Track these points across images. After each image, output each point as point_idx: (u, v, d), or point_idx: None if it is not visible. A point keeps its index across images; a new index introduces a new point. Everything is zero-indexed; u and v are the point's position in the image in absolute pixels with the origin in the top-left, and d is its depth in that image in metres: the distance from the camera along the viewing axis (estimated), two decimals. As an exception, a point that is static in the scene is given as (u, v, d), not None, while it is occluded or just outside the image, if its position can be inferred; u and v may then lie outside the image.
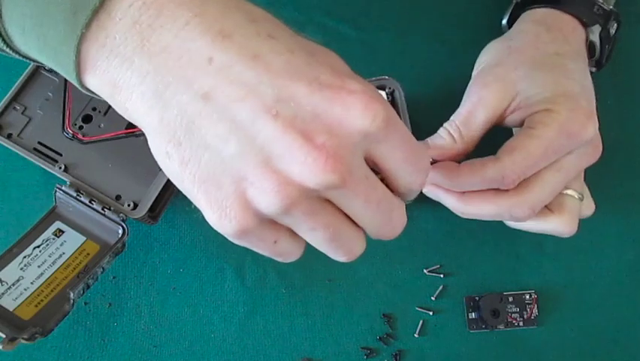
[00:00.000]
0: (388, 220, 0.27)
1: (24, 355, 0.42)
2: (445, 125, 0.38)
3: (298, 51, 0.23)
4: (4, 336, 0.34)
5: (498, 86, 0.37)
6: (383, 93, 0.43)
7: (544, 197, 0.36)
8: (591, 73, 0.41)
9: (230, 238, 0.26)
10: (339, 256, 0.28)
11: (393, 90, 0.43)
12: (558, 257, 0.45)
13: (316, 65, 0.23)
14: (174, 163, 0.24)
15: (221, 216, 0.24)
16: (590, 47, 0.40)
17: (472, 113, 0.37)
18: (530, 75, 0.37)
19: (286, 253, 0.28)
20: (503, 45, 0.40)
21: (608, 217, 0.45)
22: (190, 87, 0.23)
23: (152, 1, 0.23)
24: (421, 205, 0.45)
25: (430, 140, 0.38)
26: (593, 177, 0.46)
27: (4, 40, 0.27)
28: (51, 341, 0.42)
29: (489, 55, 0.41)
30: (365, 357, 0.43)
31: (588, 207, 0.40)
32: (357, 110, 0.23)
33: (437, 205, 0.44)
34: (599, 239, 0.45)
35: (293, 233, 0.27)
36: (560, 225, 0.38)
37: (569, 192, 0.38)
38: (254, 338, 0.43)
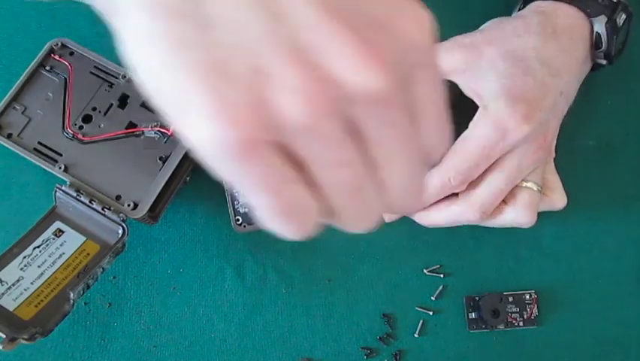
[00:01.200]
0: (416, 175, 0.21)
1: (24, 355, 0.42)
2: None
3: None
4: (4, 336, 0.34)
5: (466, 52, 0.39)
6: None
7: (490, 198, 0.38)
8: (602, 66, 0.42)
9: (226, 159, 0.18)
10: (359, 220, 0.22)
11: None
12: (558, 257, 0.45)
13: None
14: (167, 45, 0.18)
15: (224, 118, 0.17)
16: (597, 38, 0.40)
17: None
18: (495, 59, 0.38)
19: (298, 205, 0.20)
20: (501, 19, 0.41)
21: (608, 217, 0.45)
22: None
23: None
24: (421, 205, 0.45)
25: None
26: (593, 177, 0.46)
27: None
28: (51, 341, 0.42)
29: (488, 22, 0.42)
30: (365, 357, 0.43)
31: (559, 201, 0.41)
32: (411, 15, 0.18)
33: (437, 205, 0.44)
34: (599, 239, 0.45)
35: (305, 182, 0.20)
36: (514, 216, 0.39)
37: (526, 184, 0.39)
38: (254, 338, 0.43)
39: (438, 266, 0.44)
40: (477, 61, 0.39)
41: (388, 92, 0.18)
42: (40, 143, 0.42)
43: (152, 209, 0.41)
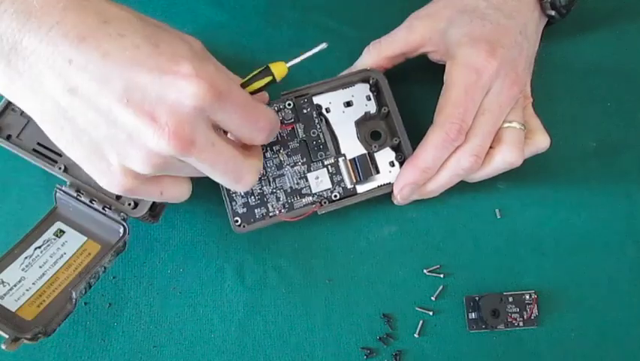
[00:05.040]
0: (237, 177, 0.34)
1: (24, 355, 0.43)
2: (373, 43, 0.45)
3: (143, 45, 0.29)
4: (7, 336, 0.35)
5: (424, 23, 0.44)
6: (367, 85, 0.44)
7: (479, 141, 0.40)
8: (556, 20, 0.45)
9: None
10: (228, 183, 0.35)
11: (377, 81, 0.44)
12: (558, 257, 0.46)
13: (157, 55, 0.29)
14: (62, 143, 0.31)
15: (110, 182, 0.32)
16: None
17: (398, 38, 0.45)
18: (452, 17, 0.43)
19: (176, 197, 0.36)
20: None
21: (608, 217, 0.47)
22: (58, 84, 0.29)
23: (22, 8, 0.28)
24: (421, 205, 0.46)
25: (356, 63, 0.46)
26: (593, 177, 0.47)
27: None
28: (51, 341, 0.43)
29: None
30: (365, 357, 0.44)
31: (542, 141, 0.43)
32: (189, 90, 0.29)
33: (437, 205, 0.46)
34: (599, 239, 0.46)
35: (175, 178, 0.35)
36: (503, 156, 0.41)
37: (508, 124, 0.41)
38: (254, 338, 0.44)
39: (438, 266, 0.45)
40: (437, 26, 0.43)
41: (184, 150, 0.30)
42: (39, 144, 0.43)
43: (152, 208, 0.42)
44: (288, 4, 0.50)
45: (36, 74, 0.29)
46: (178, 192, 0.36)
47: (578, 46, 0.50)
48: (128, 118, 0.29)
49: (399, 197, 0.43)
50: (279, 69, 0.36)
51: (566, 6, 0.44)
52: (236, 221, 0.43)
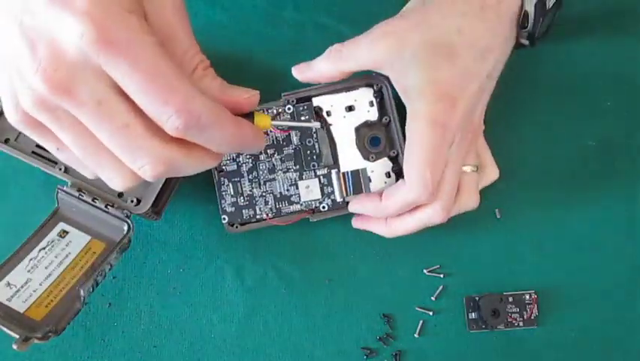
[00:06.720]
0: (129, 158, 0.28)
1: (24, 355, 0.44)
2: (334, 49, 0.41)
3: None
4: (17, 336, 0.36)
5: (389, 41, 0.39)
6: (371, 90, 0.44)
7: (448, 195, 0.40)
8: (524, 46, 0.42)
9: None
10: (101, 175, 0.31)
11: (381, 86, 0.44)
12: (558, 257, 0.47)
13: None
14: None
15: (7, 109, 0.29)
16: (525, 17, 0.40)
17: (360, 53, 0.40)
18: (419, 49, 0.38)
19: (66, 159, 0.32)
20: None
21: (608, 217, 0.48)
22: None
23: None
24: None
25: (313, 61, 0.42)
26: (593, 177, 0.48)
27: None
28: (51, 341, 0.44)
29: (411, 2, 0.42)
30: (365, 357, 0.45)
31: (492, 173, 0.44)
32: (74, 30, 0.25)
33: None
34: (599, 239, 0.47)
35: (75, 134, 0.29)
36: (460, 204, 0.42)
37: (464, 168, 0.41)
38: (254, 338, 0.45)
39: (438, 266, 0.47)
40: (401, 51, 0.39)
41: (61, 94, 0.26)
42: (38, 146, 0.44)
43: (154, 204, 0.43)
44: (288, 4, 0.51)
45: None
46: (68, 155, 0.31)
47: (578, 46, 0.51)
48: (16, 41, 0.26)
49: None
50: (263, 122, 0.35)
51: (540, 37, 0.42)
52: (224, 219, 0.44)
